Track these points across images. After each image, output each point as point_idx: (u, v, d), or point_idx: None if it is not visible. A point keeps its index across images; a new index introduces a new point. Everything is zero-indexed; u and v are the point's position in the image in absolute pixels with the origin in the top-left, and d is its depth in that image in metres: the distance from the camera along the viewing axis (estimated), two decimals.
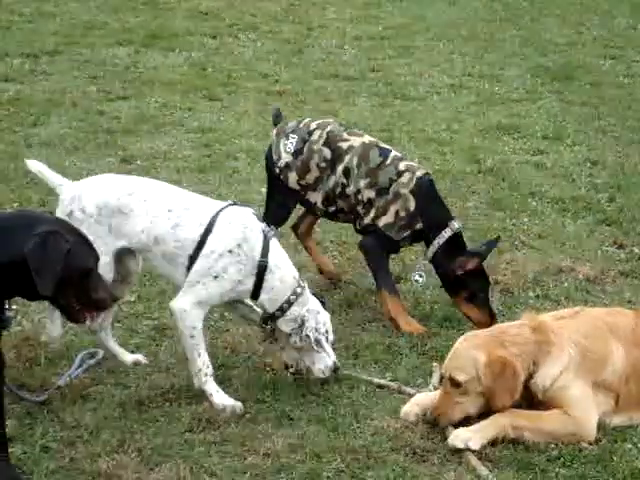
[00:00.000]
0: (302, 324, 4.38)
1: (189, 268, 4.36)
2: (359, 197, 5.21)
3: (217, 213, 4.37)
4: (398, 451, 4.05)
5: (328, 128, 5.33)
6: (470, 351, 4.16)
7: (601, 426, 4.19)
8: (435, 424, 4.16)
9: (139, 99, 8.78)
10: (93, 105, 8.45)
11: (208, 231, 4.33)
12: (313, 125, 5.36)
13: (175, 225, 4.36)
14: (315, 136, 5.30)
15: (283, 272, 4.39)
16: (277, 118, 5.48)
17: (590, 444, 4.10)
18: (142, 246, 4.45)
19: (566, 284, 5.57)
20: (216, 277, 4.33)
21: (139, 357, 4.69)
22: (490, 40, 11.57)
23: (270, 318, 4.44)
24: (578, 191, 7.00)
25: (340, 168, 5.23)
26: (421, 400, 4.32)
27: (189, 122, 8.30)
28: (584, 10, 13.30)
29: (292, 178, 5.31)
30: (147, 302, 5.28)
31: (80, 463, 3.88)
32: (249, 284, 4.37)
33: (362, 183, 5.19)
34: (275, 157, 5.34)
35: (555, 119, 8.73)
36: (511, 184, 7.12)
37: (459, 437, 4.03)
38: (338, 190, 5.26)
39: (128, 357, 4.66)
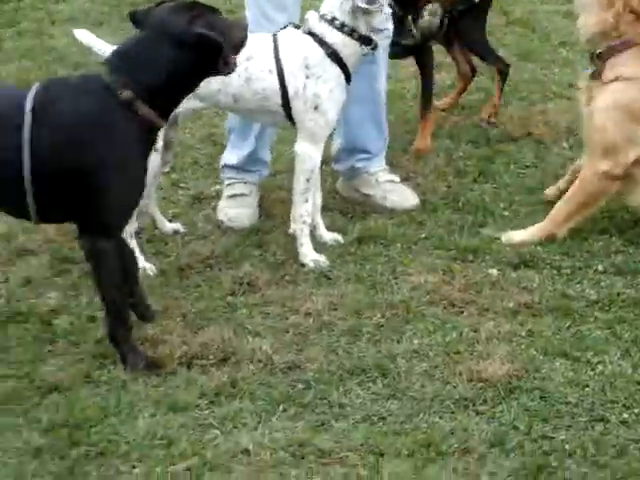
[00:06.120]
0: None
1: (288, 114, 4.39)
2: None
3: (277, 53, 4.34)
4: (436, 304, 4.10)
5: None
6: None
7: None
8: None
9: None
10: None
11: (281, 75, 4.34)
12: None
13: (247, 79, 4.36)
14: None
15: (335, 35, 4.32)
16: None
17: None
18: (222, 106, 4.53)
19: None
20: (316, 107, 4.33)
21: (178, 226, 4.74)
22: None
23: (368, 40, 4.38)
24: None
25: None
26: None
27: None
28: None
29: None
30: (181, 172, 5.31)
31: None
32: (342, 83, 4.36)
33: None
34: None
35: None
36: (541, 34, 7.02)
37: (507, 236, 4.43)
38: None
39: (167, 226, 4.72)
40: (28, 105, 3.55)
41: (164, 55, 3.55)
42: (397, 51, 5.20)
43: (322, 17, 4.36)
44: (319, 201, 4.62)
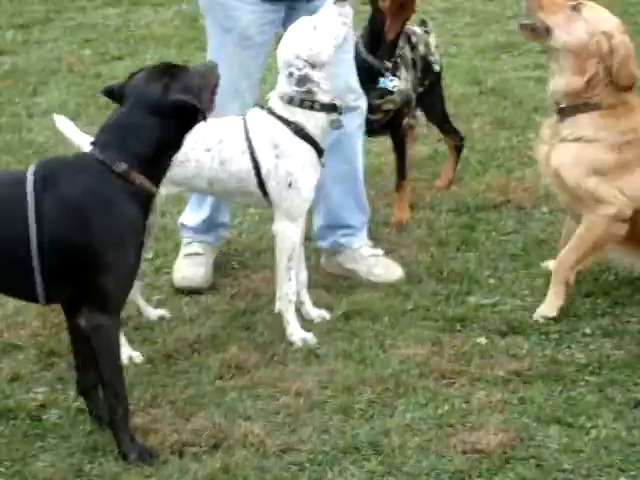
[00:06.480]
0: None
1: (264, 194, 4.42)
2: None
3: (247, 135, 4.38)
4: (427, 377, 4.09)
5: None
6: None
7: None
8: None
9: (134, 57, 8.74)
10: (89, 68, 8.40)
11: (253, 156, 4.37)
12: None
13: (221, 162, 4.41)
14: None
15: (297, 113, 4.36)
16: None
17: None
18: (200, 190, 4.57)
19: None
20: (290, 185, 4.35)
21: (163, 312, 4.73)
22: None
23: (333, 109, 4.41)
24: None
25: None
26: None
27: None
28: None
29: None
30: (165, 257, 5.29)
31: None
32: (313, 158, 4.38)
33: None
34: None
35: None
36: (514, 102, 7.08)
37: (539, 313, 4.44)
38: None
39: (152, 312, 4.71)
40: (29, 185, 3.58)
41: (147, 124, 3.64)
42: (374, 126, 5.26)
43: (280, 98, 4.40)
44: (304, 278, 4.62)
